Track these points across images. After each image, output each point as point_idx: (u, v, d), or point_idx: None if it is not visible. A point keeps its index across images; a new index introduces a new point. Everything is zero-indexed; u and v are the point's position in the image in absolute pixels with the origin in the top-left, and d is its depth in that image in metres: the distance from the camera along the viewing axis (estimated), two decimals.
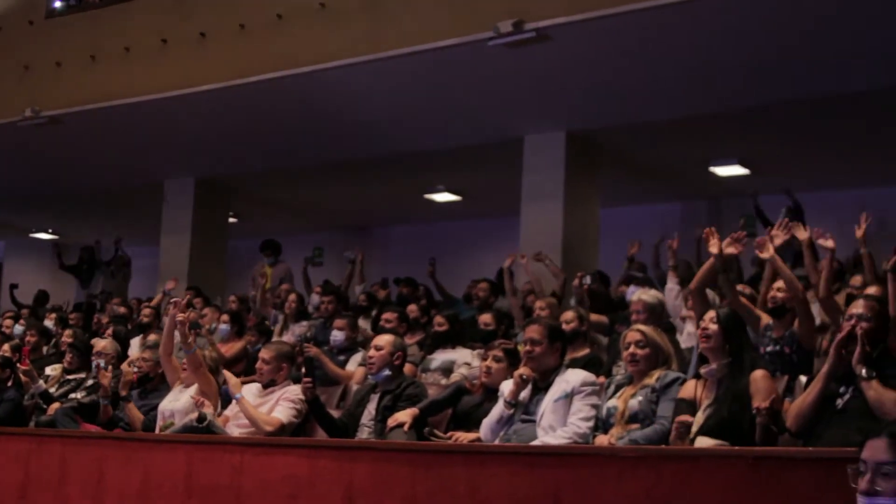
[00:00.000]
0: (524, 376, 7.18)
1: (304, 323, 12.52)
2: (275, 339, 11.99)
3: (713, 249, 7.97)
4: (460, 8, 12.29)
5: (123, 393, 9.50)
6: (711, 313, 6.86)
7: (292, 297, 12.90)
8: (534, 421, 7.06)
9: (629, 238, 13.48)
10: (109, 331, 12.32)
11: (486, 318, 10.78)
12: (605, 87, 12.78)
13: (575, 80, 12.72)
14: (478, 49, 12.07)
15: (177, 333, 9.13)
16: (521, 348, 7.76)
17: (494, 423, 7.25)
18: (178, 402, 8.78)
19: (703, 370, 6.67)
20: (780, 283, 8.09)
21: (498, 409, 7.27)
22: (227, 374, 8.83)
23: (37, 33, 16.12)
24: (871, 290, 8.37)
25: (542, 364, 7.22)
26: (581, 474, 6.09)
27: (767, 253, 8.08)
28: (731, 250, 8.06)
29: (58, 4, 16.46)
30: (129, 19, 15.12)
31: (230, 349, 11.73)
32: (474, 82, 13.05)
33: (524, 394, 7.23)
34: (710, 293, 8.94)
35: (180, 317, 8.79)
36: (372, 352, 8.31)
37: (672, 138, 14.43)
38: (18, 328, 13.83)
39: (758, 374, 6.42)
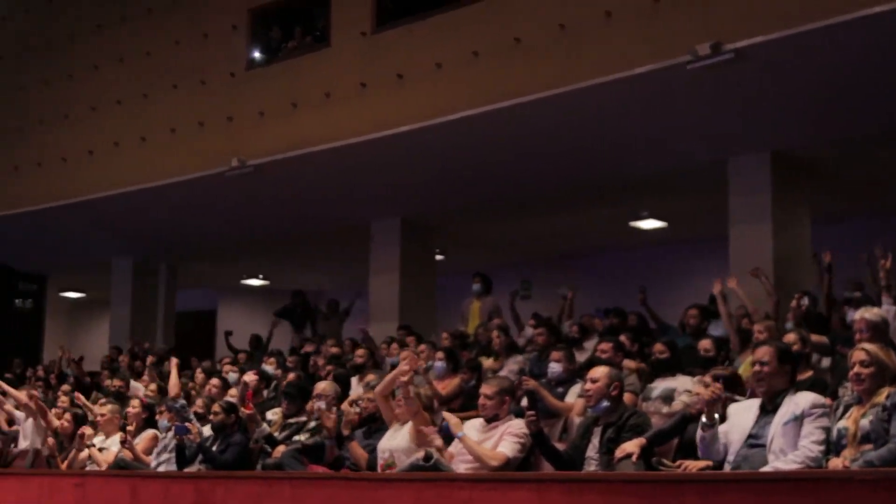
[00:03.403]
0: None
1: (519, 357, 12.54)
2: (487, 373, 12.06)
3: None
4: (656, 34, 12.27)
5: (346, 433, 9.62)
6: None
7: (495, 332, 12.95)
8: (763, 445, 6.96)
9: (842, 255, 13.14)
10: (330, 372, 12.50)
11: (705, 344, 10.68)
12: (808, 104, 12.58)
13: (777, 99, 12.54)
14: (676, 73, 12.01)
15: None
16: (741, 372, 7.67)
17: (704, 448, 7.21)
18: (395, 441, 8.88)
19: None
20: None
21: (698, 434, 7.23)
22: (446, 414, 8.89)
23: (238, 85, 16.59)
24: None
25: (771, 386, 7.12)
26: (818, 499, 5.97)
27: None
28: None
29: (257, 55, 16.89)
30: (327, 66, 15.45)
31: (446, 386, 11.79)
32: (675, 107, 12.97)
33: (751, 416, 7.14)
34: None
35: (404, 378, 8.90)
36: (588, 384, 8.28)
37: (882, 151, 14.08)
38: (233, 376, 14.13)
39: None
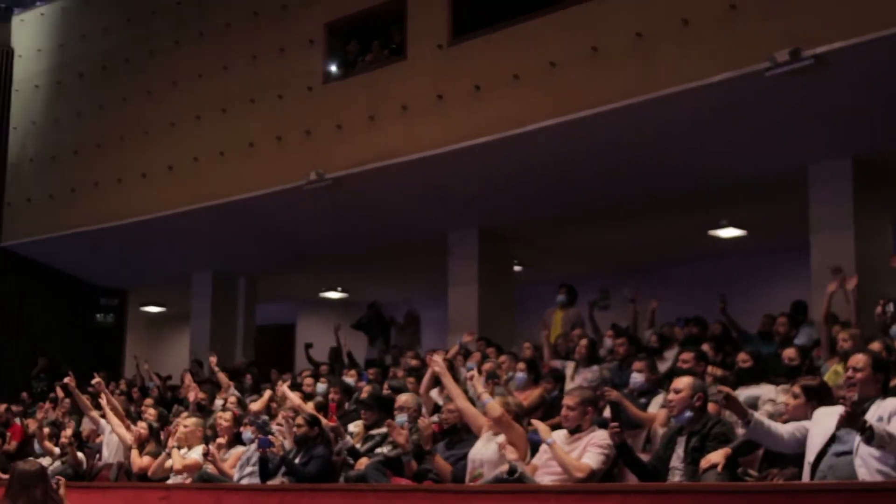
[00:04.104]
0: None
1: (596, 367, 12.50)
2: (568, 384, 12.02)
3: None
4: (734, 41, 12.23)
5: (427, 447, 9.62)
6: None
7: (583, 342, 12.89)
8: (849, 453, 6.89)
9: None
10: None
11: (790, 353, 10.60)
12: (889, 108, 12.39)
13: (857, 105, 12.44)
14: (755, 81, 11.95)
15: (472, 385, 9.35)
16: (829, 380, 7.60)
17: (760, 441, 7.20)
18: (486, 451, 8.87)
19: None
20: None
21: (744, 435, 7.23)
22: (535, 422, 8.86)
23: (316, 99, 16.70)
24: None
25: (862, 393, 7.04)
26: None
27: None
28: None
29: (334, 69, 16.98)
30: (404, 78, 15.56)
31: (527, 397, 11.74)
32: (753, 114, 12.91)
33: (835, 421, 7.07)
34: None
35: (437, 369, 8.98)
36: (672, 395, 8.24)
37: None
38: (321, 386, 14.19)
39: None
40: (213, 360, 15.70)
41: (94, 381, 13.39)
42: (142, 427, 12.42)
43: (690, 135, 13.55)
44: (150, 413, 13.35)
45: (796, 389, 7.81)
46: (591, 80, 13.38)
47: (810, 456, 7.03)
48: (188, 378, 15.95)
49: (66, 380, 13.88)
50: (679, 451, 8.00)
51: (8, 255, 22.33)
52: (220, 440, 11.48)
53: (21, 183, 21.64)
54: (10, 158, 22.02)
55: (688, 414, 8.08)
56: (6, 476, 12.54)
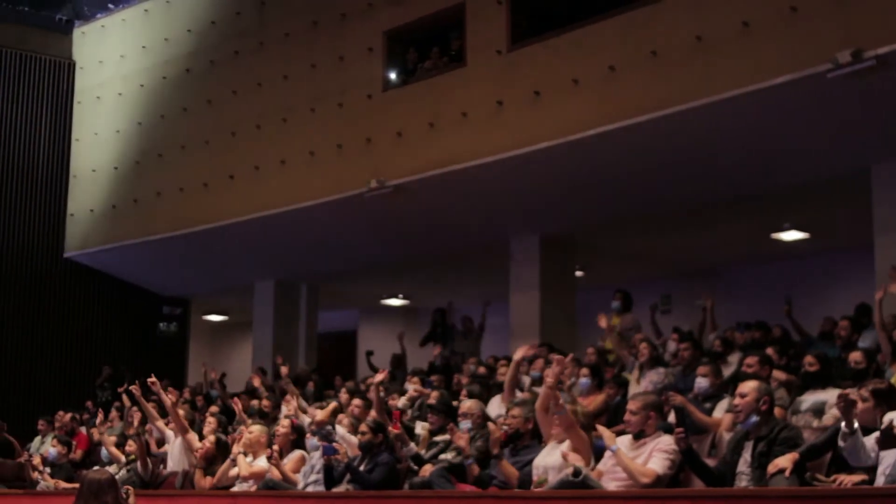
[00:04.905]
0: None
1: (661, 370, 12.43)
2: (632, 388, 11.99)
3: None
4: (794, 43, 12.15)
5: (495, 451, 9.63)
6: None
7: (644, 345, 12.84)
8: None
9: None
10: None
11: (856, 357, 10.52)
12: None
13: None
14: (817, 82, 11.88)
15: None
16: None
17: (849, 456, 7.10)
18: (550, 458, 8.87)
19: None
20: None
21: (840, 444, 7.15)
22: (600, 428, 8.86)
23: (376, 106, 16.75)
24: None
25: None
26: None
27: None
28: None
29: (393, 77, 17.03)
30: (464, 85, 15.54)
31: (591, 402, 11.72)
32: (815, 116, 12.83)
33: None
34: None
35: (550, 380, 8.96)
36: (737, 399, 8.21)
37: None
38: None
39: None
40: (285, 370, 15.75)
41: (149, 381, 13.46)
42: (209, 441, 12.44)
43: (751, 138, 13.46)
44: (211, 422, 13.41)
45: (865, 393, 7.76)
46: (650, 85, 13.34)
47: (884, 467, 6.99)
48: (257, 380, 16.06)
49: (130, 387, 13.95)
50: (746, 456, 7.98)
51: (72, 265, 22.58)
52: (274, 447, 11.55)
53: (84, 194, 21.83)
54: (72, 170, 22.22)
55: (754, 418, 8.05)
56: (73, 485, 12.75)
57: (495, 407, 12.30)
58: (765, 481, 7.49)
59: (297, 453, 11.60)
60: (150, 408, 14.25)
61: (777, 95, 12.29)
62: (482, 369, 14.69)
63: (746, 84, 12.40)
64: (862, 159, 13.69)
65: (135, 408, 15.61)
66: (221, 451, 12.25)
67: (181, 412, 13.38)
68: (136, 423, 14.54)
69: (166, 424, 13.81)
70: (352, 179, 16.60)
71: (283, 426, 11.99)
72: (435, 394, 12.24)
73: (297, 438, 11.84)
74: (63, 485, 13.58)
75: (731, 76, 12.55)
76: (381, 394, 11.97)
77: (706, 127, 13.21)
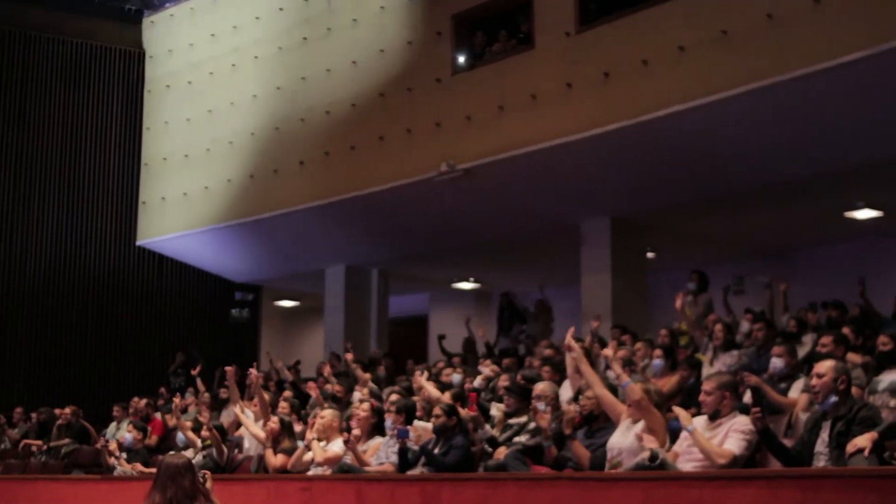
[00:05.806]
0: None
1: (735, 352, 12.38)
2: (705, 369, 11.93)
3: None
4: (868, 18, 12.02)
5: (568, 432, 9.58)
6: None
7: (719, 326, 12.76)
8: None
9: None
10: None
11: None
12: None
13: None
14: (891, 58, 11.75)
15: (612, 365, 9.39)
16: None
17: None
18: (625, 440, 8.82)
19: None
20: None
21: None
22: (676, 408, 8.80)
23: (445, 90, 16.77)
24: None
25: None
26: None
27: None
28: None
29: (461, 60, 17.02)
30: (532, 68, 15.51)
31: (665, 384, 11.66)
32: (889, 92, 12.65)
33: None
34: None
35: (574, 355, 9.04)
36: (815, 380, 8.13)
37: None
38: (456, 377, 14.20)
39: None
40: (350, 356, 15.76)
41: (226, 369, 13.53)
42: (273, 422, 12.44)
43: (824, 116, 13.33)
44: (283, 406, 13.43)
45: None
46: (720, 64, 13.25)
47: None
48: (327, 369, 16.10)
49: (226, 370, 13.92)
50: (824, 436, 7.90)
51: (144, 252, 22.85)
52: (356, 431, 11.52)
53: (155, 182, 22.00)
54: (144, 158, 22.39)
55: (833, 398, 7.96)
56: (149, 469, 12.86)
57: (566, 389, 12.28)
58: (843, 461, 7.42)
59: (377, 441, 11.55)
60: (236, 390, 14.18)
61: (850, 73, 12.17)
62: (549, 351, 14.62)
63: (819, 61, 12.29)
64: None
65: (206, 394, 15.72)
66: (287, 431, 12.27)
67: (266, 396, 13.41)
68: (204, 411, 14.56)
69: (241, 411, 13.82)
70: (421, 164, 16.65)
71: (362, 410, 11.94)
72: (505, 377, 12.22)
73: (377, 422, 11.79)
74: (142, 469, 13.67)
75: (804, 54, 12.44)
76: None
77: (777, 106, 13.10)
